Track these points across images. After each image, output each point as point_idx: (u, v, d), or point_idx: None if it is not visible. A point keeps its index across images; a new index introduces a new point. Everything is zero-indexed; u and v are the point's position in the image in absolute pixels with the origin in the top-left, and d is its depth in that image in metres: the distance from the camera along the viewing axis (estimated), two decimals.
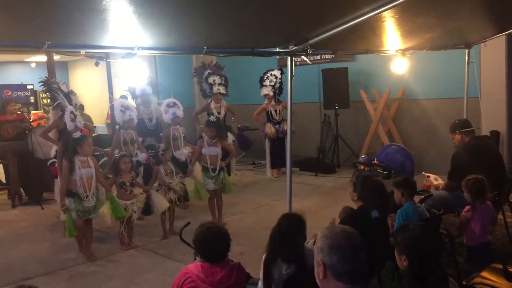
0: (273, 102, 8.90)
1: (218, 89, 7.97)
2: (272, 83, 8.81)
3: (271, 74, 8.85)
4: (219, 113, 7.98)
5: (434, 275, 2.29)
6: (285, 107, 8.97)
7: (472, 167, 4.41)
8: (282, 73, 8.82)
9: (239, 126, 9.58)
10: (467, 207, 3.94)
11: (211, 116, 6.77)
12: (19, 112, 9.29)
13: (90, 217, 5.10)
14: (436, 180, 5.22)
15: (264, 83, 8.88)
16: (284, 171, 9.05)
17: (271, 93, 8.81)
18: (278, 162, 9.07)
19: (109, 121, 12.01)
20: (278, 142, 8.95)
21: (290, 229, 2.79)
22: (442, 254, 2.48)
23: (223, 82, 8.04)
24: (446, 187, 4.93)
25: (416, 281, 2.30)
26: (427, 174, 5.34)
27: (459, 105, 6.78)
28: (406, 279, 2.39)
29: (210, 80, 7.99)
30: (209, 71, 8.03)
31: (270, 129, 8.87)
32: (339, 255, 1.89)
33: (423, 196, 4.51)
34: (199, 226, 2.81)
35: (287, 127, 4.26)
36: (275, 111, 8.92)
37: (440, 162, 6.94)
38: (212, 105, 8.02)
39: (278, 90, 8.89)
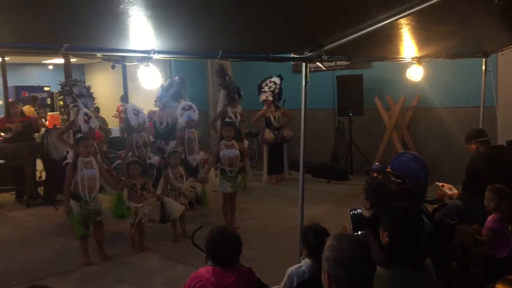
0: (272, 108, 8.90)
1: (241, 94, 8.02)
2: (272, 89, 8.82)
3: (270, 81, 8.89)
4: (236, 117, 8.00)
5: (412, 252, 2.45)
6: (284, 114, 9.00)
7: (487, 177, 4.37)
8: (281, 80, 8.85)
9: (253, 131, 9.61)
10: (492, 217, 3.87)
11: (227, 118, 6.74)
12: (36, 114, 9.38)
13: (97, 219, 5.11)
14: (450, 189, 5.17)
15: (263, 90, 8.92)
16: (282, 177, 9.09)
17: (271, 98, 8.82)
18: (275, 169, 9.06)
19: (122, 125, 12.15)
20: (276, 148, 8.95)
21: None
22: (421, 235, 2.62)
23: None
24: (460, 197, 4.88)
25: (395, 256, 2.44)
26: (441, 184, 5.29)
27: (475, 114, 6.71)
28: (385, 252, 2.55)
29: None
30: (228, 75, 8.04)
31: (269, 134, 8.88)
32: (344, 269, 1.92)
33: (437, 206, 4.46)
34: (211, 230, 2.81)
35: (301, 133, 4.24)
36: (274, 117, 8.92)
37: (455, 171, 6.85)
38: (229, 109, 8.04)
39: (278, 96, 8.90)
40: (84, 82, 6.38)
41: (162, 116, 7.14)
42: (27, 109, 10.64)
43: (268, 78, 8.96)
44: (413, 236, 2.51)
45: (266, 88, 8.88)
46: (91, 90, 6.24)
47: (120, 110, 13.41)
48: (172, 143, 6.89)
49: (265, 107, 8.97)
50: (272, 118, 8.92)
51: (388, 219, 2.58)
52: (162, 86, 7.21)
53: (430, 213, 4.14)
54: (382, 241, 2.58)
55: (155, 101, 7.36)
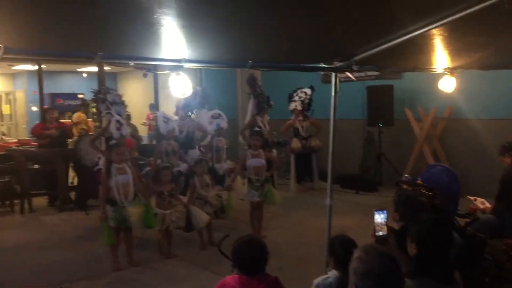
0: (300, 118, 8.90)
1: (271, 103, 8.04)
2: (302, 99, 8.84)
3: (301, 91, 8.91)
4: (265, 127, 8.02)
5: (440, 265, 2.42)
6: (313, 124, 8.97)
7: None
8: (313, 91, 8.86)
9: (281, 140, 9.60)
10: None
11: (256, 127, 6.72)
12: (70, 120, 9.63)
13: (129, 225, 5.18)
14: (482, 204, 5.05)
15: (293, 99, 8.96)
16: (312, 187, 9.03)
17: (300, 108, 8.83)
18: (302, 177, 9.04)
19: (150, 132, 12.30)
20: (303, 158, 8.94)
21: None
22: (449, 248, 2.59)
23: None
24: (493, 211, 4.76)
25: (422, 268, 2.41)
26: (473, 198, 5.17)
27: (509, 126, 6.55)
28: (413, 264, 2.51)
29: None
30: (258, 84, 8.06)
31: (296, 143, 8.88)
32: (372, 280, 1.90)
33: (469, 220, 4.36)
34: (238, 239, 2.82)
35: (329, 143, 4.22)
36: (302, 127, 8.93)
37: (488, 184, 6.67)
38: (259, 119, 8.06)
39: (307, 106, 8.91)
40: (116, 90, 6.51)
41: (182, 126, 7.21)
42: (79, 115, 10.83)
43: (299, 88, 8.98)
44: (442, 248, 2.48)
45: (297, 98, 8.92)
46: (123, 98, 6.37)
47: (151, 118, 13.64)
48: (192, 152, 6.92)
49: (293, 117, 8.98)
50: (300, 128, 8.93)
51: (417, 230, 2.55)
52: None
53: (461, 227, 4.05)
54: (410, 252, 2.55)
55: (176, 111, 7.43)
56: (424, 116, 8.60)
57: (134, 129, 10.27)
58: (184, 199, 5.80)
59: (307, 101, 8.88)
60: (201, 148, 7.09)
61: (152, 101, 12.47)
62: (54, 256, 5.64)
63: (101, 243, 5.71)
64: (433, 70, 5.35)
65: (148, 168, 6.88)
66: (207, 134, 7.37)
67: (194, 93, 7.31)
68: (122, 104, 6.27)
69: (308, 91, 8.89)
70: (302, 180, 9.09)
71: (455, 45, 4.10)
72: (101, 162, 6.31)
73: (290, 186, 9.07)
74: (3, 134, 14.30)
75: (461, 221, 4.28)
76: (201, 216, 5.58)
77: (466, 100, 8.08)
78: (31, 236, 6.54)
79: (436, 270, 2.39)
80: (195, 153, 6.83)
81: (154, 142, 10.65)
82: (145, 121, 13.55)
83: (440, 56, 4.67)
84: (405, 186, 5.69)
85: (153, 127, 12.99)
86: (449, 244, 2.55)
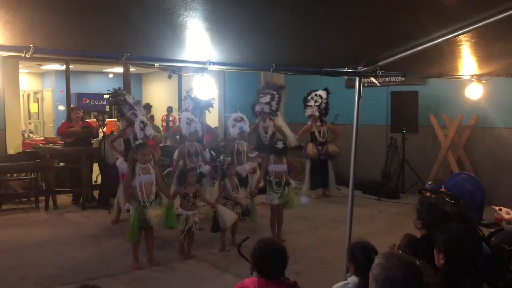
0: (318, 123, 8.77)
1: (262, 108, 7.94)
2: (318, 103, 8.69)
3: (315, 95, 8.73)
4: (266, 132, 7.95)
5: (468, 276, 2.36)
6: (330, 129, 8.87)
7: None
8: (328, 94, 8.69)
9: (302, 144, 9.56)
10: None
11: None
12: (95, 120, 9.78)
13: (150, 225, 5.21)
14: (508, 214, 4.94)
15: (308, 103, 8.78)
16: (329, 193, 8.94)
17: (317, 114, 8.69)
18: (317, 184, 8.90)
19: (164, 133, 12.42)
20: (319, 164, 8.79)
21: None
22: (478, 258, 2.56)
23: (268, 101, 7.96)
24: None
25: (450, 279, 2.37)
26: (498, 207, 5.07)
27: None
28: (440, 275, 2.47)
29: (260, 99, 7.98)
30: (268, 90, 7.99)
31: (311, 149, 8.71)
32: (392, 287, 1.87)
33: (493, 230, 4.27)
34: (258, 242, 2.82)
35: (352, 149, 4.20)
36: (319, 132, 8.78)
37: None
38: (261, 124, 7.99)
39: (324, 110, 8.77)
40: (124, 90, 6.62)
41: None
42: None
43: (313, 91, 8.81)
44: (471, 259, 2.42)
45: (312, 102, 8.74)
46: (145, 100, 6.46)
47: (164, 119, 13.89)
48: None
49: (310, 122, 8.86)
50: (316, 133, 8.79)
51: (445, 240, 2.48)
52: (191, 97, 7.18)
53: (485, 237, 3.97)
54: (437, 263, 2.49)
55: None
56: (449, 123, 8.46)
57: (157, 130, 10.37)
58: (212, 200, 5.83)
59: (323, 105, 8.71)
60: (211, 151, 7.10)
61: (177, 102, 12.64)
62: (76, 253, 5.72)
63: (122, 241, 5.80)
64: (460, 76, 5.28)
65: (170, 169, 6.94)
66: (216, 136, 7.37)
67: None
68: (140, 105, 6.36)
69: (323, 94, 8.68)
70: (317, 187, 8.93)
71: (484, 52, 4.04)
72: (119, 163, 6.41)
73: (302, 191, 8.82)
74: (31, 132, 14.62)
75: (485, 231, 4.20)
76: (229, 215, 5.58)
77: (493, 108, 7.94)
78: (55, 232, 6.65)
79: (465, 282, 2.33)
80: (206, 155, 6.85)
81: (168, 142, 10.73)
82: (160, 121, 13.79)
83: (467, 63, 4.60)
84: (428, 194, 5.61)
85: (164, 128, 13.24)
86: (478, 254, 2.49)
